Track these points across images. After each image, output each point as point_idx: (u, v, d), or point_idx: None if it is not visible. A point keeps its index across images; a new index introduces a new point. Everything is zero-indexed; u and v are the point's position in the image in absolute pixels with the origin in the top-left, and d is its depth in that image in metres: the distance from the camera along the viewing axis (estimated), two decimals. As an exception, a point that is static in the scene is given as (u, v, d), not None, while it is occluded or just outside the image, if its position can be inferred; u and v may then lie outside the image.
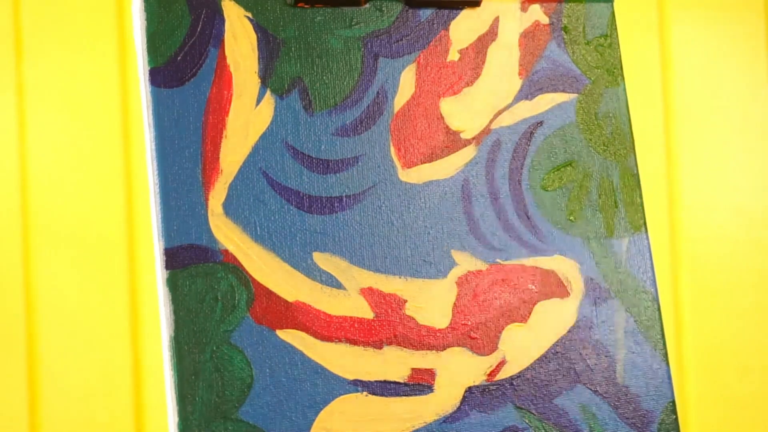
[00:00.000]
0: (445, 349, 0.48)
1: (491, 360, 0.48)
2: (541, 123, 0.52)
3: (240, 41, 0.48)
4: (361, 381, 0.46)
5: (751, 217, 0.98)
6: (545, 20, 0.53)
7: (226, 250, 0.46)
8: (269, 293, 0.46)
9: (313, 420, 0.45)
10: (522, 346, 0.49)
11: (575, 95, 0.52)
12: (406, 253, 0.48)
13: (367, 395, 0.46)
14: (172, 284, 0.45)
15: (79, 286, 0.85)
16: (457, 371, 0.48)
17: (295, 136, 0.48)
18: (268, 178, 0.47)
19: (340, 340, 0.46)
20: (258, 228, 0.47)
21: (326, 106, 0.49)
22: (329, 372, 0.46)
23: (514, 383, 0.48)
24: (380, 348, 0.47)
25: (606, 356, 0.50)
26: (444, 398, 0.47)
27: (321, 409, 0.45)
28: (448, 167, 0.50)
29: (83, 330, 0.85)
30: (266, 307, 0.46)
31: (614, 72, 0.53)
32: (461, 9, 0.51)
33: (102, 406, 0.85)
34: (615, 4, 0.54)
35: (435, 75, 0.51)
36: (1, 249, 0.84)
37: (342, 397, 0.46)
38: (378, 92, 0.50)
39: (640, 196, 0.52)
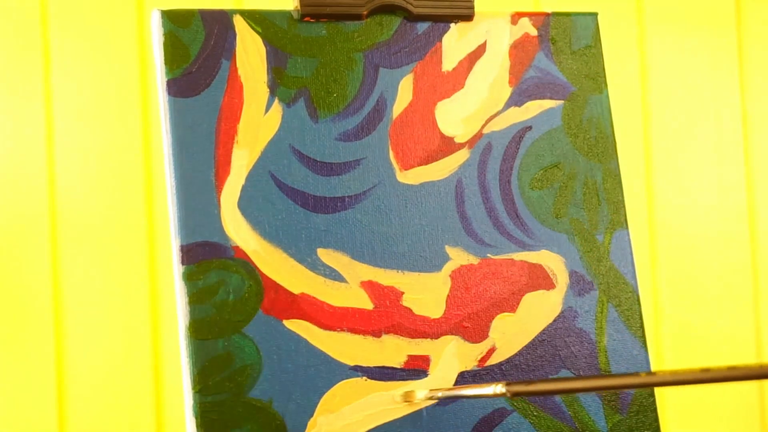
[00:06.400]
0: (439, 337, 0.48)
1: (482, 347, 0.48)
2: (529, 128, 0.52)
3: (250, 54, 0.48)
4: (361, 367, 0.46)
5: (722, 215, 0.98)
6: (534, 32, 0.53)
7: (237, 247, 0.46)
8: (276, 286, 0.46)
9: (317, 402, 0.45)
10: (511, 334, 0.49)
11: (562, 102, 0.52)
12: (403, 249, 0.48)
13: (366, 380, 0.46)
14: (188, 278, 0.45)
15: (103, 279, 0.85)
16: (451, 358, 0.48)
17: (301, 141, 0.48)
18: (276, 180, 0.47)
19: (341, 329, 0.47)
20: (266, 226, 0.47)
21: (330, 113, 0.49)
22: (332, 358, 0.46)
23: (503, 368, 0.48)
24: (379, 336, 0.47)
25: (589, 343, 0.50)
26: (438, 383, 0.47)
27: (324, 393, 0.46)
28: (442, 169, 0.50)
29: (107, 320, 0.85)
30: (274, 299, 0.46)
31: (598, 80, 0.53)
32: (455, 22, 0.51)
33: (123, 390, 0.85)
34: (599, 17, 0.54)
35: (431, 84, 0.51)
36: (31, 246, 0.84)
37: (343, 381, 0.46)
38: (378, 100, 0.50)
39: (622, 195, 0.52)
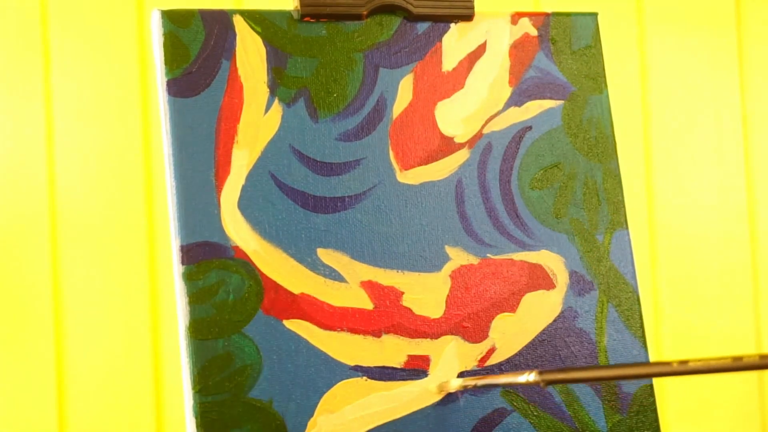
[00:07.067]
0: (439, 337, 0.48)
1: (482, 347, 0.48)
2: (529, 128, 0.52)
3: (250, 54, 0.48)
4: (361, 367, 0.46)
5: (722, 215, 0.98)
6: (534, 32, 0.53)
7: (237, 247, 0.46)
8: (276, 286, 0.46)
9: (317, 403, 0.45)
10: (511, 334, 0.49)
11: (562, 102, 0.52)
12: (403, 249, 0.48)
13: (366, 380, 0.46)
14: (188, 278, 0.45)
15: (103, 279, 0.85)
16: (450, 358, 0.48)
17: (301, 141, 0.48)
18: (276, 180, 0.47)
19: (342, 329, 0.47)
20: (267, 226, 0.47)
21: (330, 113, 0.49)
22: (332, 358, 0.46)
23: (503, 369, 0.48)
24: (379, 336, 0.47)
25: (589, 343, 0.50)
26: (438, 383, 0.47)
27: (324, 393, 0.46)
28: (442, 169, 0.50)
29: (107, 320, 0.85)
30: (274, 299, 0.46)
31: (598, 80, 0.53)
32: (456, 22, 0.52)
33: (123, 390, 0.85)
34: (599, 17, 0.54)
35: (431, 84, 0.51)
36: (31, 246, 0.84)
37: (343, 381, 0.46)
38: (378, 100, 0.50)
39: (622, 196, 0.52)
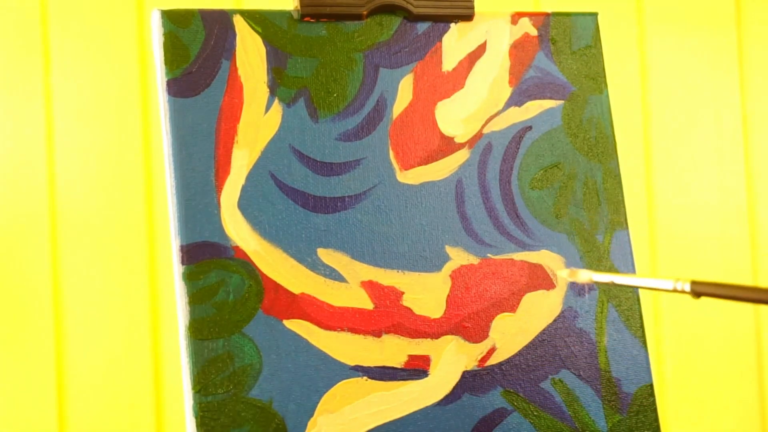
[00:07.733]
0: (439, 337, 0.48)
1: (482, 347, 0.48)
2: (529, 128, 0.52)
3: (250, 54, 0.48)
4: (361, 367, 0.46)
5: (722, 215, 0.98)
6: (534, 32, 0.53)
7: (237, 247, 0.46)
8: (277, 286, 0.46)
9: (317, 402, 0.45)
10: (511, 334, 0.49)
11: (562, 102, 0.52)
12: (403, 249, 0.48)
13: (367, 380, 0.46)
14: (188, 278, 0.45)
15: (103, 279, 0.85)
16: (451, 357, 0.48)
17: (301, 141, 0.48)
18: (276, 180, 0.47)
19: (342, 329, 0.47)
20: (267, 226, 0.47)
21: (330, 113, 0.49)
22: (332, 358, 0.46)
23: (503, 368, 0.48)
24: (379, 336, 0.47)
25: (589, 343, 0.50)
26: (438, 382, 0.47)
27: (324, 393, 0.46)
28: (443, 169, 0.50)
29: (107, 320, 0.85)
30: (274, 299, 0.46)
31: (598, 80, 0.53)
32: (456, 22, 0.52)
33: (123, 390, 0.85)
34: (599, 17, 0.54)
35: (431, 84, 0.51)
36: (31, 246, 0.84)
37: (344, 381, 0.46)
38: (378, 100, 0.50)
39: (622, 195, 0.52)
